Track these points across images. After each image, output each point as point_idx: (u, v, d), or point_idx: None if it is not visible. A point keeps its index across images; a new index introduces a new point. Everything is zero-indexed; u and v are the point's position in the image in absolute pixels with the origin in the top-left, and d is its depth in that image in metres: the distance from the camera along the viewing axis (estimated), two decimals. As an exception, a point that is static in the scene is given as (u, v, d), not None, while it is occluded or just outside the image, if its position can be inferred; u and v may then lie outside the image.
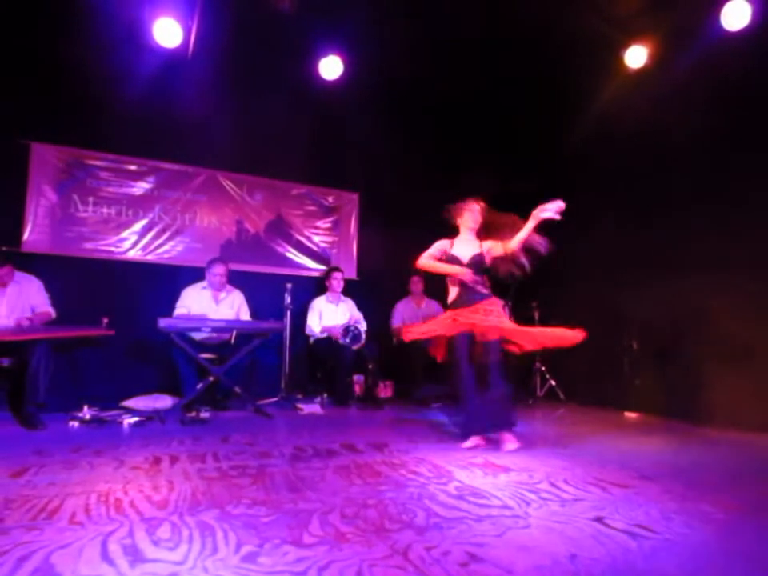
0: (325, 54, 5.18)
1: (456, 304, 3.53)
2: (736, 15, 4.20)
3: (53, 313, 4.10)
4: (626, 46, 4.90)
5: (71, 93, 4.79)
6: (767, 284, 4.07)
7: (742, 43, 4.23)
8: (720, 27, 4.28)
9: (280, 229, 5.89)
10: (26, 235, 4.70)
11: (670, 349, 4.78)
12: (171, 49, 4.71)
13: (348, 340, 5.14)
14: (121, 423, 3.83)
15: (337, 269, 5.61)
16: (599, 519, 2.01)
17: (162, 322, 4.06)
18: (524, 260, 3.36)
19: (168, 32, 4.57)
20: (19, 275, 4.03)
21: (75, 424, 3.76)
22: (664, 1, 4.51)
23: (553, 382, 5.71)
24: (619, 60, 4.97)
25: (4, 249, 4.40)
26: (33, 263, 4.36)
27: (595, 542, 1.79)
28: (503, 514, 2.06)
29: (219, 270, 4.74)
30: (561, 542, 1.78)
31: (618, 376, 5.24)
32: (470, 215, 3.60)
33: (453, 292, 3.59)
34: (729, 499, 2.30)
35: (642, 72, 4.95)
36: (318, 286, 5.82)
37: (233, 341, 4.84)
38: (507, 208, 3.77)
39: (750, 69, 4.19)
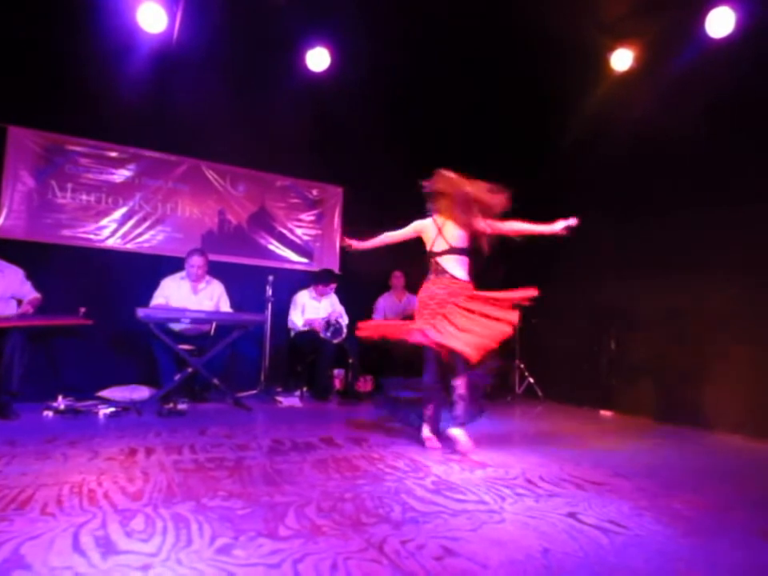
0: (312, 46, 5.14)
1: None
2: (720, 22, 4.27)
3: (40, 296, 4.05)
4: (612, 49, 4.95)
5: (51, 76, 4.68)
6: (749, 287, 4.14)
7: (726, 50, 4.30)
8: (705, 34, 4.35)
9: (263, 221, 5.85)
10: (1, 220, 4.60)
11: (648, 349, 4.86)
12: (156, 34, 4.63)
13: (329, 334, 5.13)
14: (96, 414, 3.78)
15: (335, 280, 5.53)
16: (572, 515, 2.04)
17: (141, 312, 4.02)
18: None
19: (153, 17, 4.50)
20: (2, 264, 3.97)
21: (49, 414, 3.71)
22: (650, 6, 4.56)
23: (531, 380, 5.78)
24: (605, 63, 5.02)
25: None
26: (8, 249, 4.26)
27: (568, 537, 1.81)
28: (479, 509, 2.08)
29: (197, 261, 4.67)
30: (534, 537, 1.80)
31: (595, 375, 5.32)
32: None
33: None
34: (699, 498, 2.35)
35: (628, 75, 5.00)
36: (301, 279, 5.79)
37: (212, 332, 4.81)
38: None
39: (733, 75, 4.25)
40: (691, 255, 4.48)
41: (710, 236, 4.37)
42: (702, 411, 4.26)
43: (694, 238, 4.48)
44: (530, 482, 2.50)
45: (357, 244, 3.63)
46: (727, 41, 4.29)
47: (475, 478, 2.53)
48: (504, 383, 5.86)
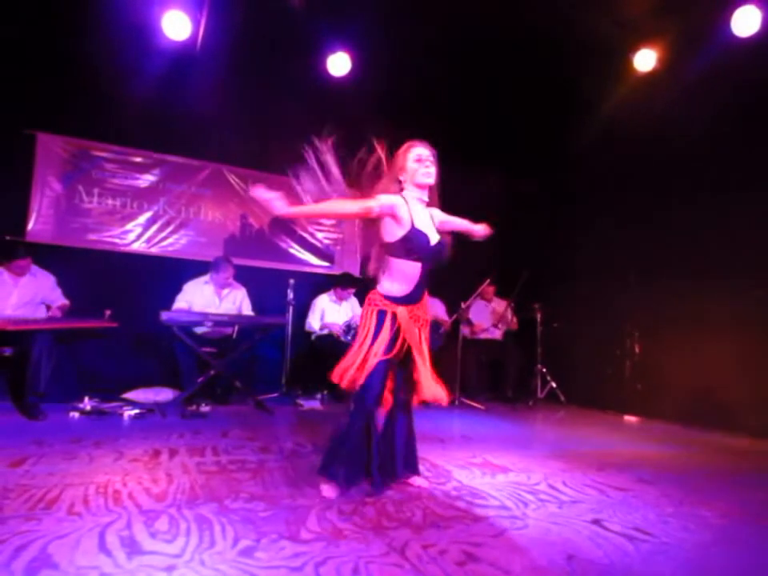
0: (333, 51, 5.17)
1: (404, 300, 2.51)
2: (746, 21, 4.19)
3: (69, 303, 4.16)
4: (635, 49, 4.88)
5: (78, 84, 4.79)
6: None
7: (752, 49, 4.21)
8: (730, 33, 4.27)
9: (284, 224, 5.89)
10: (30, 225, 4.71)
11: (672, 353, 4.77)
12: (180, 42, 4.70)
13: (350, 338, 5.13)
14: (121, 415, 3.84)
15: (355, 284, 5.53)
16: (597, 522, 2.01)
17: (165, 316, 4.07)
18: None
19: (177, 25, 4.57)
20: (35, 268, 4.08)
21: (76, 415, 3.77)
22: (674, 5, 4.49)
23: (554, 384, 5.71)
24: (628, 63, 4.95)
25: (7, 238, 4.44)
26: (37, 253, 4.36)
27: (592, 545, 1.78)
28: (501, 515, 2.06)
29: (228, 273, 4.72)
30: (558, 544, 1.78)
31: (619, 379, 5.24)
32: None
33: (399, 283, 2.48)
34: (726, 504, 2.29)
35: (650, 75, 4.93)
36: (321, 283, 5.81)
37: (235, 335, 4.85)
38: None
39: (759, 75, 4.17)
40: (715, 257, 4.40)
41: (736, 238, 4.29)
42: (729, 415, 4.17)
43: (718, 239, 4.40)
44: (553, 487, 2.47)
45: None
46: (753, 40, 4.21)
47: (497, 483, 2.50)
48: (526, 388, 5.80)
